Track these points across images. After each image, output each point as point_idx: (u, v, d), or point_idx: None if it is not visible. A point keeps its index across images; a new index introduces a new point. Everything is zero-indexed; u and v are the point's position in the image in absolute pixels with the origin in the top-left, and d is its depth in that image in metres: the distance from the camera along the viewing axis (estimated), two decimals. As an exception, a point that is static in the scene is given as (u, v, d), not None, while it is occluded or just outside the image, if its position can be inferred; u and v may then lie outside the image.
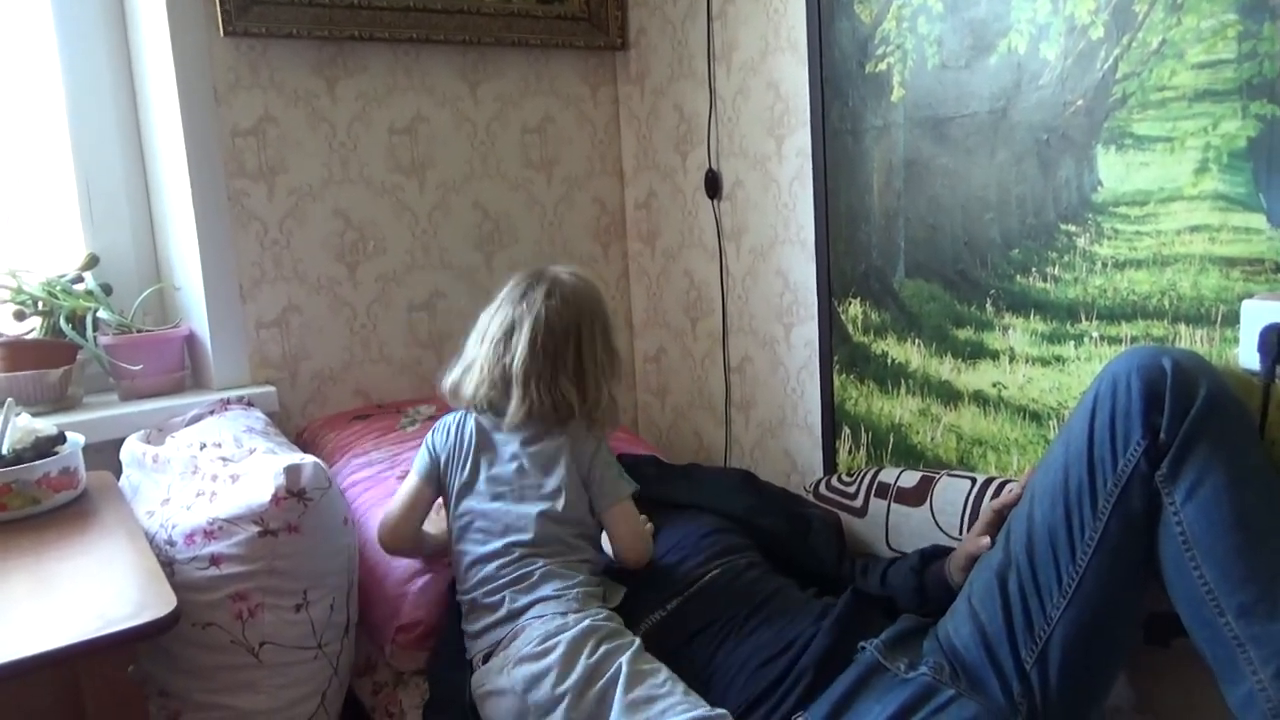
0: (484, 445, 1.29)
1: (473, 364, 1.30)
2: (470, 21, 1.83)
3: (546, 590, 1.18)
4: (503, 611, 1.18)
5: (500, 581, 1.20)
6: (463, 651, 1.23)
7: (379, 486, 1.52)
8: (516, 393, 1.25)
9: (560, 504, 1.23)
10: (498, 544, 1.22)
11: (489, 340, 1.29)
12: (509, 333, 1.27)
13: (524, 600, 1.18)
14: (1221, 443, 1.01)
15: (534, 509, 1.23)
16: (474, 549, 1.23)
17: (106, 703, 0.93)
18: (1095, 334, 1.29)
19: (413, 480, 1.32)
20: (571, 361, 1.26)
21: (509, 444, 1.28)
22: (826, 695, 1.05)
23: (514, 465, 1.26)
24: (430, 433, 1.34)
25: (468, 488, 1.27)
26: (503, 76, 1.92)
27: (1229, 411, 1.02)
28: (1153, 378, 1.03)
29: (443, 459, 1.30)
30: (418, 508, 1.32)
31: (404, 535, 1.32)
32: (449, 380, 1.32)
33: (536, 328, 1.25)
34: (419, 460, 1.33)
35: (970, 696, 1.07)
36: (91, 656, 0.91)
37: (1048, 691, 1.08)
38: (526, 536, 1.21)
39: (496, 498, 1.25)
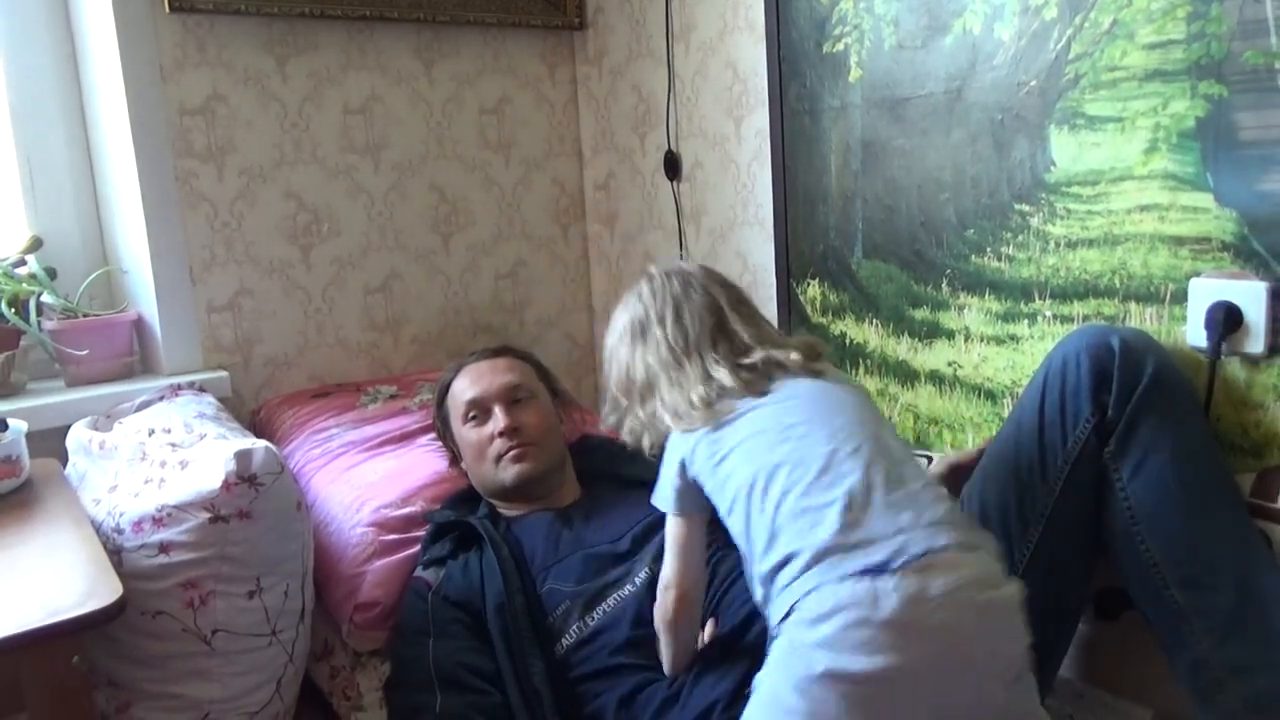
0: None
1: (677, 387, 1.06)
2: (425, -1, 1.80)
3: None
4: None
5: None
6: (424, 630, 1.21)
7: (336, 462, 1.51)
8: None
9: None
10: None
11: (664, 352, 1.08)
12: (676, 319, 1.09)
13: None
14: (1167, 419, 1.03)
15: None
16: None
17: (48, 693, 0.91)
18: (1048, 313, 1.31)
19: None
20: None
21: None
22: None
23: None
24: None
25: None
26: (458, 55, 1.90)
27: (1175, 389, 1.04)
28: (1101, 356, 1.04)
29: None
30: None
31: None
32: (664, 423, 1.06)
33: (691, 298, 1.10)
34: None
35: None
36: (34, 647, 0.89)
37: None
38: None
39: None
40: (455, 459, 1.48)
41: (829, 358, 1.10)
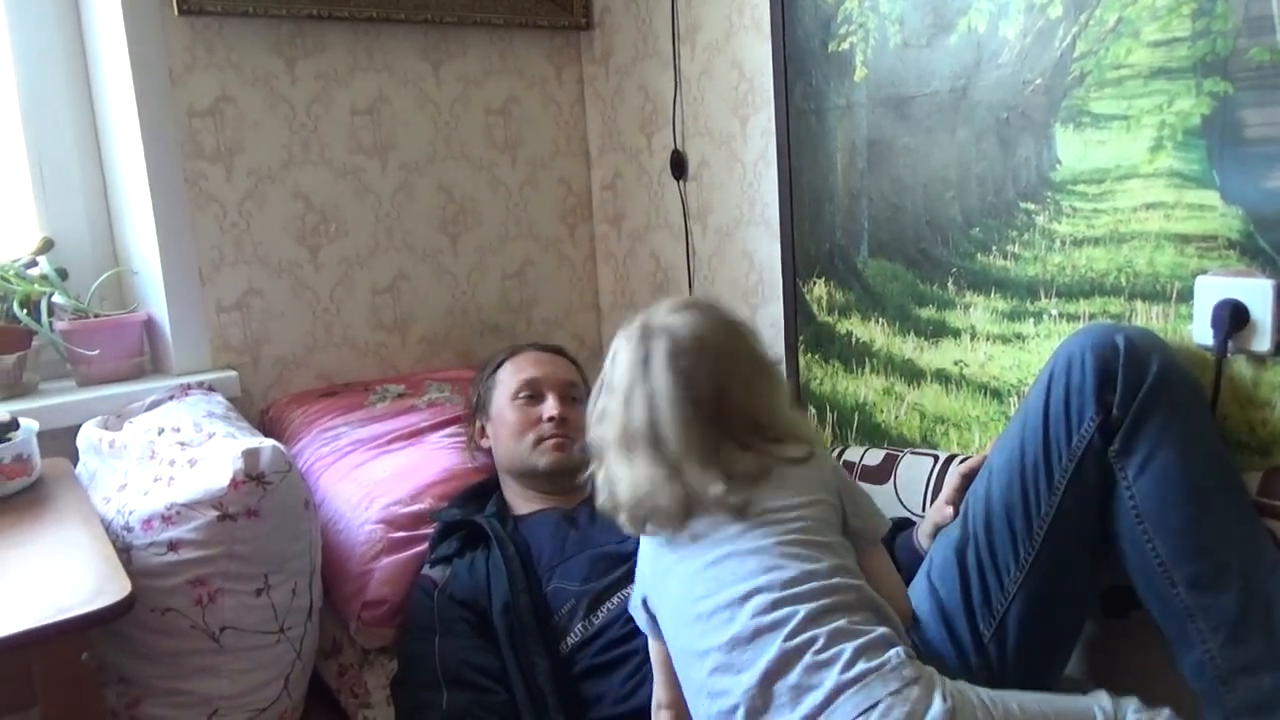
0: None
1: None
2: (432, 0, 1.80)
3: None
4: None
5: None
6: (430, 628, 1.22)
7: (344, 460, 1.52)
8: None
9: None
10: None
11: (639, 442, 0.99)
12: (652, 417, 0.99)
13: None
14: (1173, 418, 1.02)
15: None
16: None
17: (58, 689, 0.92)
18: (1054, 311, 1.30)
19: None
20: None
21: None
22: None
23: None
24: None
25: None
26: (465, 56, 1.90)
27: (1180, 387, 1.04)
28: (1106, 355, 1.04)
29: None
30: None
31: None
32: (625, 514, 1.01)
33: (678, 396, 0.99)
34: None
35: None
36: (45, 643, 0.90)
37: (1005, 663, 1.09)
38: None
39: None
40: (472, 439, 1.51)
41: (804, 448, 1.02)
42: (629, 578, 1.22)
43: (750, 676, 0.89)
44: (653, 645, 1.06)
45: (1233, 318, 1.10)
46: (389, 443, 1.55)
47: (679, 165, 1.85)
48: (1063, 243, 1.28)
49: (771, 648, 0.89)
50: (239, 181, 1.68)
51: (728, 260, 1.80)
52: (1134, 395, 1.03)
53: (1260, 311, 1.08)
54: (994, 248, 1.36)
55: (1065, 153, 1.26)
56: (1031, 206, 1.31)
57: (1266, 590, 0.98)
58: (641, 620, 1.05)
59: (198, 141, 1.64)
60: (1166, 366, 1.04)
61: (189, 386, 1.56)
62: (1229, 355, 1.11)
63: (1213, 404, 1.11)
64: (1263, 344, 1.09)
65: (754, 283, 1.75)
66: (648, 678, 1.10)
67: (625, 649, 1.14)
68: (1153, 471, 1.02)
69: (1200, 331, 1.14)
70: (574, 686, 1.15)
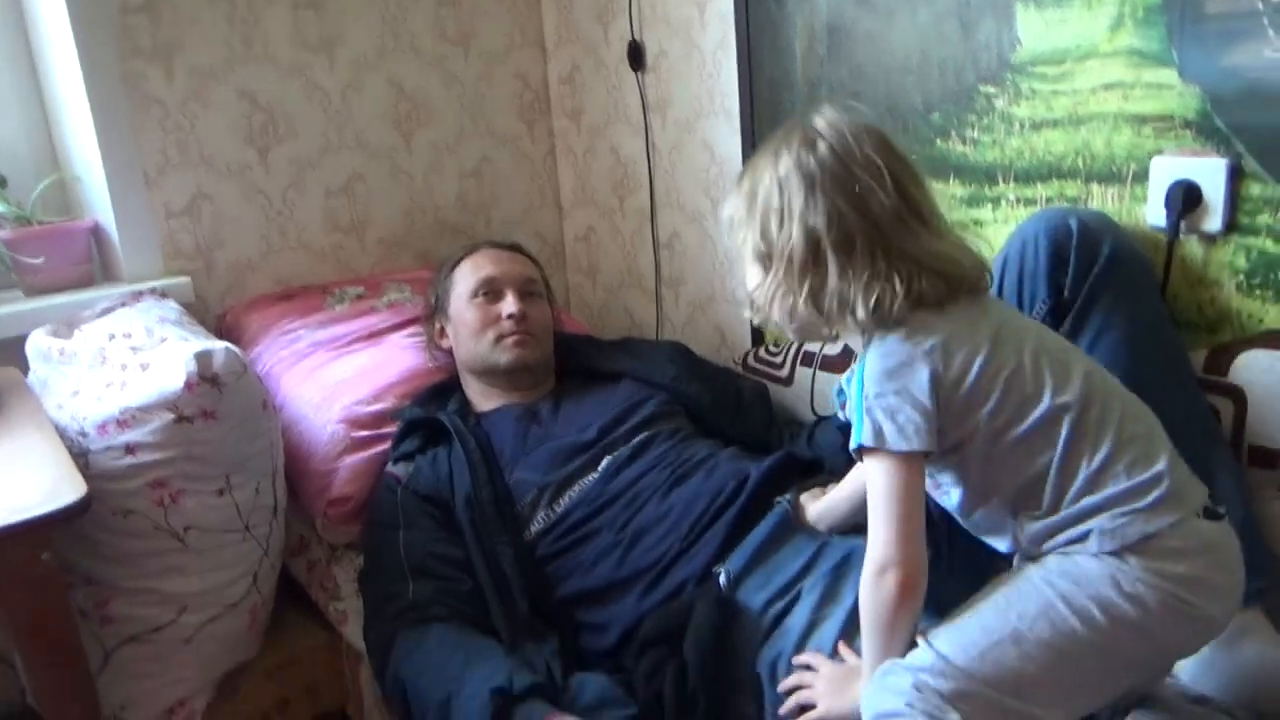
0: None
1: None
2: (373, -119, 1.71)
3: None
4: None
5: None
6: (395, 523, 1.24)
7: (304, 363, 1.51)
8: None
9: None
10: None
11: None
12: None
13: None
14: (1122, 299, 1.04)
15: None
16: None
17: (22, 590, 0.92)
18: (1012, 196, 1.30)
19: None
20: None
21: None
22: (742, 547, 1.08)
23: None
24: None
25: None
26: (412, -57, 1.82)
27: (1131, 269, 1.05)
28: (1059, 238, 1.05)
29: None
30: None
31: None
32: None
33: None
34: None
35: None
36: (3, 544, 0.90)
37: (955, 548, 1.12)
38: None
39: None
40: (432, 339, 1.51)
41: None
42: (590, 466, 1.24)
43: None
44: (913, 474, 0.83)
45: (1186, 198, 1.10)
46: (349, 344, 1.54)
47: (637, 56, 1.80)
48: (1021, 126, 1.27)
49: None
50: (180, 81, 1.62)
51: (688, 153, 1.77)
52: (1085, 277, 1.04)
53: (1213, 191, 1.09)
54: (953, 133, 1.35)
55: (1026, 33, 1.24)
56: (991, 90, 1.29)
57: (1208, 463, 1.01)
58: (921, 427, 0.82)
59: (134, 39, 1.56)
60: (1118, 248, 1.05)
61: (141, 293, 1.53)
62: (1181, 236, 1.12)
63: (1163, 285, 1.12)
64: (1214, 224, 1.09)
65: (714, 175, 1.72)
66: (608, 553, 1.13)
67: (587, 529, 1.17)
68: (1101, 350, 1.04)
69: (1154, 213, 1.14)
70: (537, 571, 1.17)
